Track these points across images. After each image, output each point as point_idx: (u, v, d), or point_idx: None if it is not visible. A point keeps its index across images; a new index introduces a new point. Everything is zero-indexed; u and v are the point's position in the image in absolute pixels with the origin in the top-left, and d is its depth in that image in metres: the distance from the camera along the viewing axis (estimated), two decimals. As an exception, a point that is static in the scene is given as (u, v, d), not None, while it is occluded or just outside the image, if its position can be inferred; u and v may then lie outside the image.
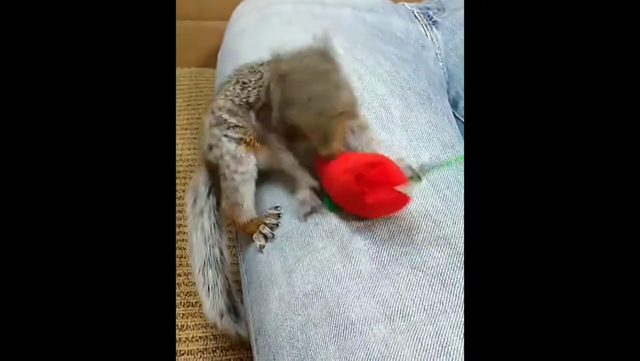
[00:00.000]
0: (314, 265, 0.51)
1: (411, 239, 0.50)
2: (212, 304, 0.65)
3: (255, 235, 0.59)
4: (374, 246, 0.50)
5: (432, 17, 0.96)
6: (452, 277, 0.47)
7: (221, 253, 0.66)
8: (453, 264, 0.48)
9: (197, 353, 0.69)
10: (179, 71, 1.26)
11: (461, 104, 0.90)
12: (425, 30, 0.93)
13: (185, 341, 0.71)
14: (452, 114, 0.81)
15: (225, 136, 0.59)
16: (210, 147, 0.61)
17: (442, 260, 0.48)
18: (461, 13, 0.93)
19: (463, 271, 0.48)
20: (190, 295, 0.76)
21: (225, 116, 0.59)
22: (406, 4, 0.98)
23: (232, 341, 0.71)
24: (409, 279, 0.47)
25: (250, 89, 0.58)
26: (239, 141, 0.58)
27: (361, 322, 0.46)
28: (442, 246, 0.49)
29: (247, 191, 0.59)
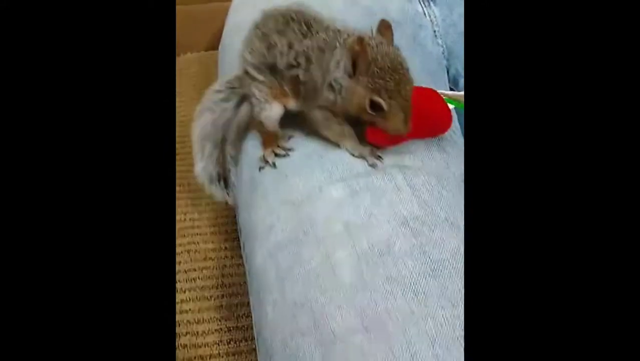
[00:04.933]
0: (302, 276, 0.55)
1: (388, 249, 0.53)
2: (203, 169, 0.74)
3: (267, 152, 0.67)
4: (355, 257, 0.53)
5: (430, -7, 0.95)
6: (424, 286, 0.50)
7: (224, 136, 0.74)
8: (425, 273, 0.51)
9: (212, 345, 0.75)
10: (188, 56, 1.29)
11: (461, 81, 0.90)
12: (422, 8, 0.92)
13: (202, 334, 0.77)
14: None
15: (254, 86, 0.65)
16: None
17: (415, 269, 0.51)
18: (459, -13, 0.91)
19: (433, 280, 0.50)
20: (204, 289, 0.82)
21: (252, 71, 0.65)
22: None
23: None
24: (385, 290, 0.50)
25: (276, 52, 0.62)
26: (267, 94, 0.65)
27: (342, 332, 0.50)
28: (417, 255, 0.52)
29: (270, 125, 0.67)
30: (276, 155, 0.66)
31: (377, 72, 0.55)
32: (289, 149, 0.66)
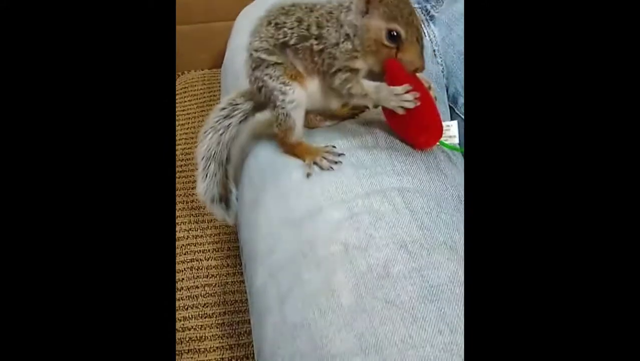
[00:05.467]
0: (301, 297, 0.56)
1: (387, 272, 0.53)
2: (205, 189, 0.74)
3: (308, 161, 0.65)
4: (354, 279, 0.54)
5: (429, 12, 0.96)
6: (422, 311, 0.51)
7: (228, 156, 0.75)
8: (424, 298, 0.51)
9: (214, 363, 0.76)
10: (192, 74, 1.30)
11: (460, 100, 0.91)
12: (422, 28, 0.93)
13: (204, 352, 0.77)
14: (449, 118, 0.83)
15: (267, 75, 0.66)
16: (259, 89, 0.68)
17: (414, 294, 0.52)
18: (457, 6, 0.93)
19: (431, 305, 0.51)
20: (207, 306, 0.83)
21: (264, 55, 0.66)
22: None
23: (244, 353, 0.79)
24: (383, 314, 0.51)
25: (286, 29, 0.64)
26: (282, 76, 0.65)
27: (341, 356, 0.50)
28: (415, 279, 0.53)
29: (298, 116, 0.66)
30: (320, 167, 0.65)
31: (390, 1, 0.58)
32: (341, 154, 0.65)
